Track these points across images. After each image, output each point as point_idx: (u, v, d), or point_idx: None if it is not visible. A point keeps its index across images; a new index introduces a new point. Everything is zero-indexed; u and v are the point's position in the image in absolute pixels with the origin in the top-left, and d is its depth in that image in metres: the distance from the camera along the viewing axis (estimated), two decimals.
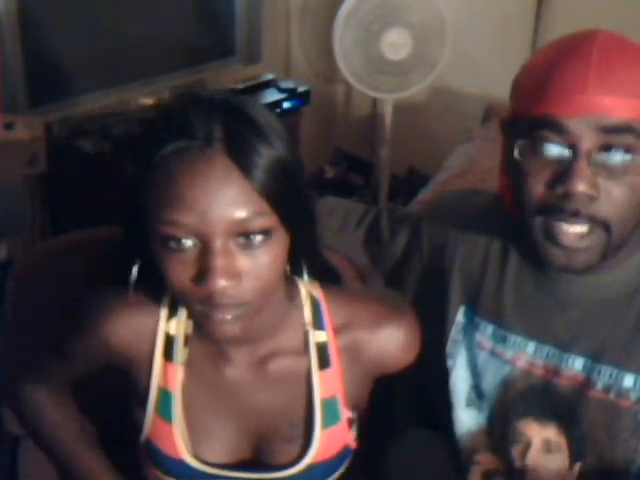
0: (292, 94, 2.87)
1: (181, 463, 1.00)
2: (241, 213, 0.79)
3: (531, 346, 1.05)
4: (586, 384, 1.01)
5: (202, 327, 0.88)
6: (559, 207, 0.93)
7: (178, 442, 0.99)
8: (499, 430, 1.08)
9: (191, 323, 0.97)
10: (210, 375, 0.99)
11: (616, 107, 0.90)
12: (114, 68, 2.55)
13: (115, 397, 1.04)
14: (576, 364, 1.02)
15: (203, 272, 0.80)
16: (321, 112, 3.28)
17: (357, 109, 3.45)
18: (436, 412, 1.15)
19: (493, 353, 1.08)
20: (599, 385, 1.01)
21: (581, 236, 0.94)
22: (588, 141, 0.91)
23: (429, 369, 1.09)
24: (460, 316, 1.11)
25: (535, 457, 0.96)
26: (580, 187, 0.91)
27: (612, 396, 1.00)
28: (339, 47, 2.72)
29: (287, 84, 2.91)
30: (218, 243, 0.79)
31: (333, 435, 1.00)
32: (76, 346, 1.04)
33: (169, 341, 0.98)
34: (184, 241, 0.80)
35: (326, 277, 1.00)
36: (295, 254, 0.90)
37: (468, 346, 1.10)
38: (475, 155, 2.47)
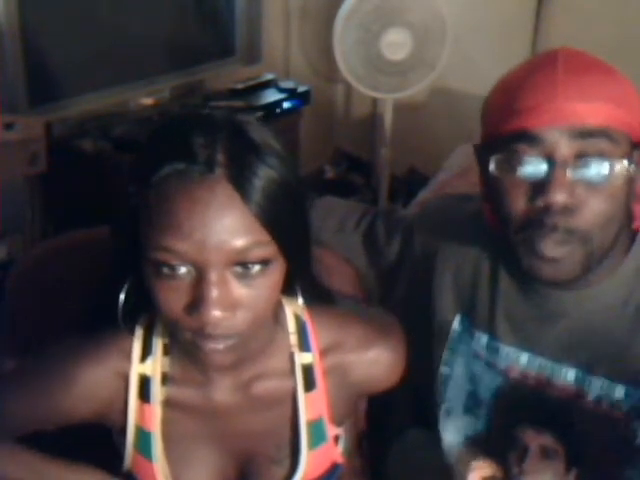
0: (292, 94, 2.87)
1: None
2: (240, 242, 0.76)
3: (523, 358, 1.05)
4: (578, 395, 1.01)
5: (190, 354, 0.84)
6: (539, 221, 0.92)
7: (160, 479, 0.95)
8: (496, 436, 1.08)
9: (167, 360, 0.93)
10: (193, 399, 0.95)
11: (586, 113, 0.90)
12: (114, 68, 2.55)
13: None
14: (568, 376, 1.02)
15: (197, 301, 0.77)
16: (321, 112, 3.28)
17: (357, 109, 3.46)
18: (430, 417, 1.15)
19: (488, 363, 1.08)
20: (590, 396, 1.01)
21: (558, 243, 0.93)
22: (563, 149, 0.90)
23: (422, 376, 1.09)
24: (456, 325, 1.11)
25: (532, 463, 0.96)
26: (559, 197, 0.90)
27: (604, 407, 1.00)
28: (339, 47, 2.73)
29: (287, 84, 2.91)
30: (214, 273, 0.76)
31: (320, 455, 0.98)
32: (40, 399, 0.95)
33: (144, 382, 0.93)
34: (178, 268, 0.77)
35: (319, 299, 0.97)
36: (289, 278, 0.86)
37: (465, 355, 1.10)
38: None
